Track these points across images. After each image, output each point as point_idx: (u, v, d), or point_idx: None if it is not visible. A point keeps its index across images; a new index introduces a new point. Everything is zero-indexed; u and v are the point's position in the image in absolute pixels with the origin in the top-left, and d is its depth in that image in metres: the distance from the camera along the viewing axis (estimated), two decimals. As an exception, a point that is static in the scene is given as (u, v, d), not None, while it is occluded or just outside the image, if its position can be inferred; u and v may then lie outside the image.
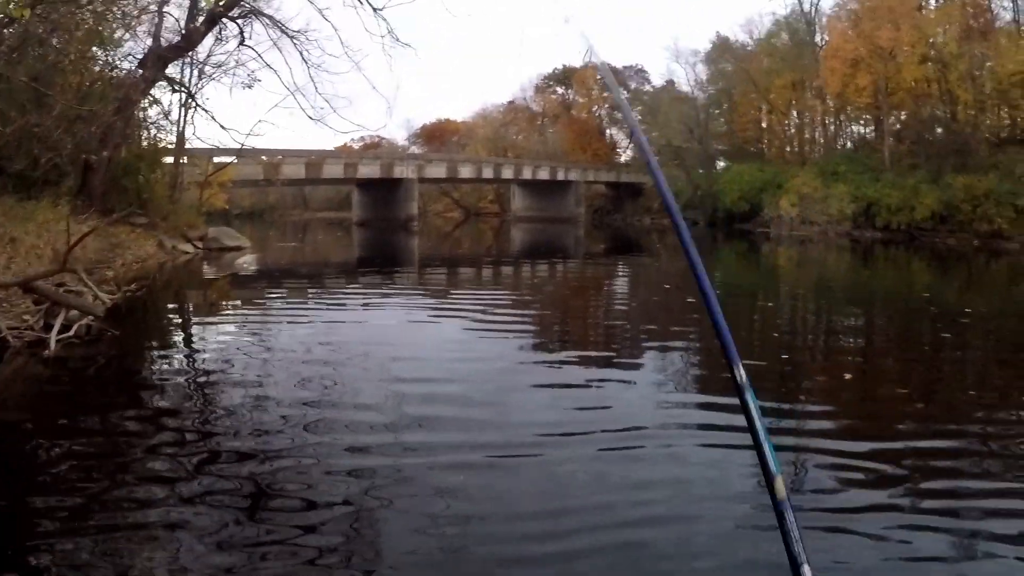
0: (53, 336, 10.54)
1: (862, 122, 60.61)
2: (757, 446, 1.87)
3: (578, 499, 5.85)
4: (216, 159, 35.30)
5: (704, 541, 5.22)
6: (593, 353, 12.42)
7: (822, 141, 62.03)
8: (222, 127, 28.39)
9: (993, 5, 52.68)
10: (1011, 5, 51.38)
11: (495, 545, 5.08)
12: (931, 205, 43.06)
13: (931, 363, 12.66)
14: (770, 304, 19.55)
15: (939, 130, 50.97)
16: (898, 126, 54.84)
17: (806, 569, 1.71)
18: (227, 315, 15.64)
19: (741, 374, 1.95)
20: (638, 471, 6.56)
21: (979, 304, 19.98)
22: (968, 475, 6.82)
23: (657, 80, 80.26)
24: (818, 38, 60.85)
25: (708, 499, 5.94)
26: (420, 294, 19.75)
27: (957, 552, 5.24)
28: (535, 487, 6.13)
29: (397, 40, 28.97)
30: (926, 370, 12.13)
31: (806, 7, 60.50)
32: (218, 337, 12.74)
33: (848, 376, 11.28)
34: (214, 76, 30.13)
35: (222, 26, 28.21)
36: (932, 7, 54.51)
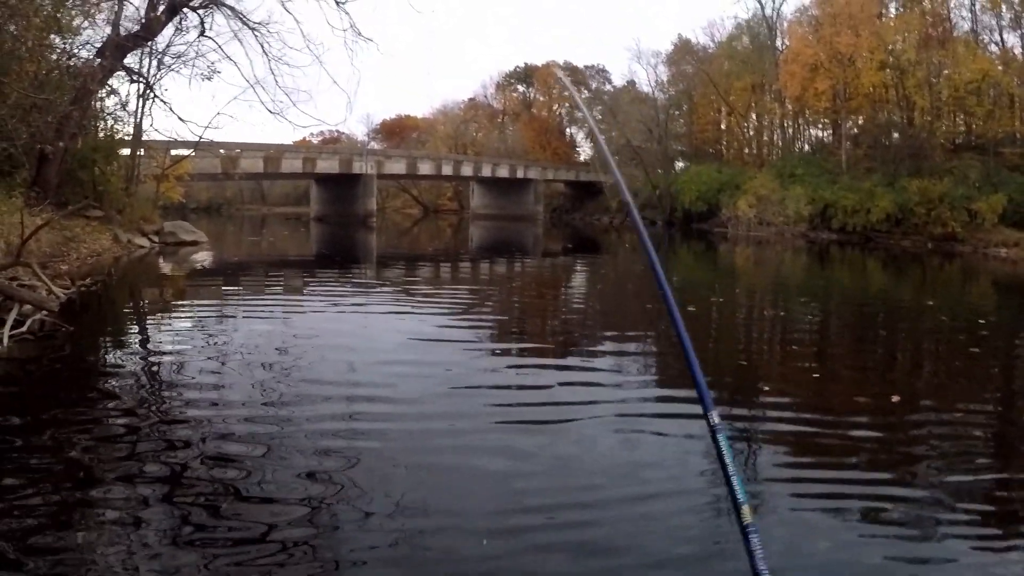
0: (6, 332, 10.32)
1: (820, 126, 61.42)
2: (727, 479, 2.14)
3: (536, 489, 5.94)
4: (173, 152, 34.71)
5: (658, 524, 5.40)
6: (552, 346, 12.63)
7: (780, 144, 62.62)
8: (180, 119, 27.99)
9: (952, 15, 53.54)
10: (969, 15, 52.38)
11: (454, 537, 5.11)
12: (886, 208, 43.55)
13: (886, 355, 13.25)
14: (728, 300, 19.72)
15: (895, 135, 51.80)
16: (855, 130, 55.61)
17: None
18: (183, 311, 15.36)
19: (714, 419, 2.24)
20: (596, 458, 6.73)
21: (933, 302, 20.36)
22: (920, 444, 7.46)
23: (618, 80, 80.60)
24: (779, 42, 61.34)
25: (663, 483, 6.18)
26: (379, 291, 19.58)
27: (910, 508, 5.83)
28: (494, 478, 6.18)
29: (359, 34, 28.70)
30: (881, 361, 12.57)
31: (768, 11, 60.97)
32: (175, 333, 12.50)
33: (805, 365, 11.66)
34: (173, 67, 29.54)
35: (183, 16, 27.71)
36: (892, 15, 55.32)
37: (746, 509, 2.10)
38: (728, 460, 2.17)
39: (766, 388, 9.77)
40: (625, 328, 14.26)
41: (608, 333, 13.71)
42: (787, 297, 21.13)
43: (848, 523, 5.55)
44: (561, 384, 9.45)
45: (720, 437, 2.21)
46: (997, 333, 15.13)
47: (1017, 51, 49.60)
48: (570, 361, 10.94)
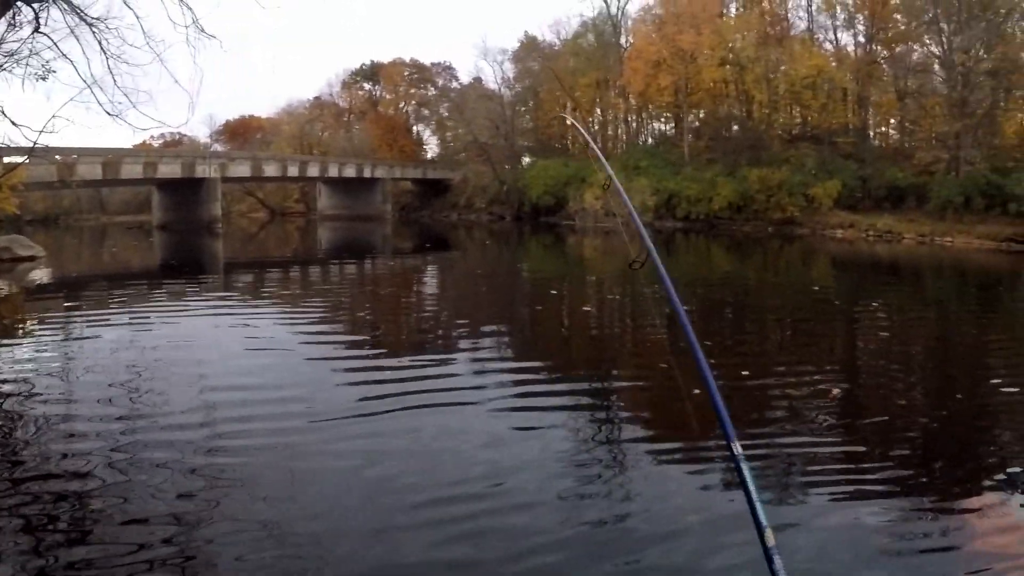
0: None
1: (663, 119, 62.85)
2: (751, 505, 2.26)
3: (402, 487, 6.00)
4: (5, 159, 32.28)
5: (527, 511, 5.60)
6: (407, 344, 12.65)
7: (624, 137, 63.73)
8: (13, 123, 25.68)
9: (789, 15, 56.42)
10: (806, 15, 55.41)
11: (325, 541, 5.09)
12: (728, 196, 44.81)
13: (733, 328, 13.57)
14: (576, 288, 19.88)
15: (735, 127, 53.59)
16: (697, 123, 57.10)
17: None
18: (24, 333, 13.89)
19: (737, 449, 2.36)
20: (461, 452, 6.82)
21: (775, 281, 20.84)
22: (774, 405, 8.12)
23: (465, 77, 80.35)
24: (623, 40, 62.59)
25: (523, 467, 6.42)
26: (226, 299, 18.24)
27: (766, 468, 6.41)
28: (359, 478, 6.20)
29: (202, 31, 26.90)
30: (729, 334, 13.34)
31: (613, 10, 62.12)
32: (16, 357, 11.29)
33: (653, 342, 11.94)
34: (5, 66, 27.41)
35: (16, 10, 25.69)
36: (732, 15, 57.14)
37: (769, 533, 2.19)
38: (751, 488, 2.27)
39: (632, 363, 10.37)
40: (481, 322, 14.25)
41: (466, 333, 13.56)
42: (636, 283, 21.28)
43: (705, 481, 6.17)
44: (420, 379, 9.30)
45: (743, 467, 2.32)
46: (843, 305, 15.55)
47: (850, 48, 52.34)
48: (428, 357, 10.91)
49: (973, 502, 5.91)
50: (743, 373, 9.46)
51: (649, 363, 10.16)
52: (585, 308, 16.03)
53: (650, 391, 8.60)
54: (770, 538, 2.19)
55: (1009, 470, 6.50)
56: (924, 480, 6.33)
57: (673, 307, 2.80)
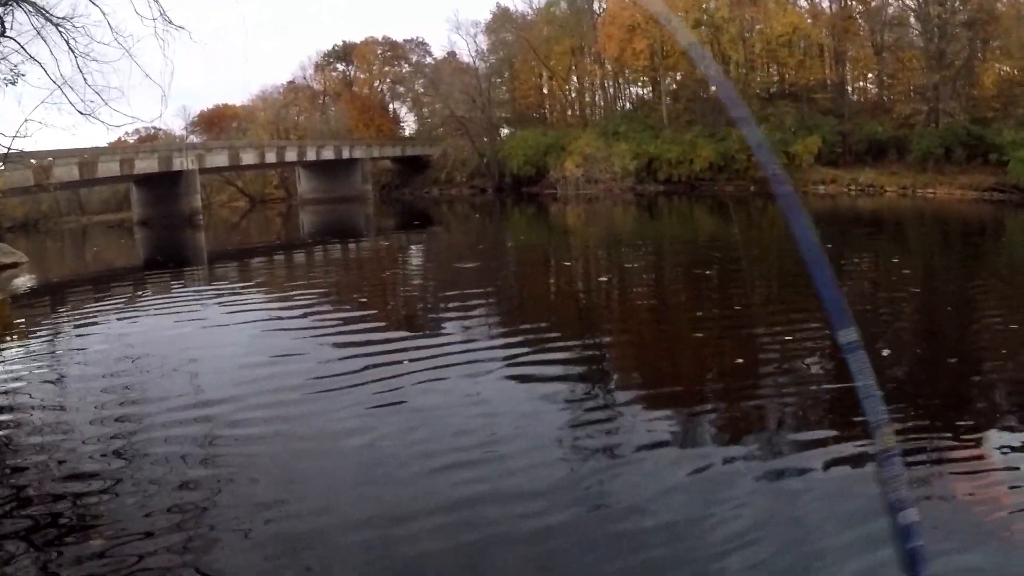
0: None
1: (640, 84, 62.28)
2: (864, 398, 1.78)
3: (397, 461, 6.04)
4: (-20, 168, 31.72)
5: (518, 472, 5.73)
6: (402, 321, 12.71)
7: (602, 103, 63.47)
8: None
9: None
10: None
11: (330, 535, 4.98)
12: (709, 157, 45.11)
13: (724, 284, 14.14)
14: (565, 257, 19.87)
15: (713, 88, 52.86)
16: (674, 86, 56.72)
17: (910, 512, 1.68)
18: (12, 340, 13.48)
19: (849, 336, 1.86)
20: (452, 422, 6.88)
21: (760, 238, 20.81)
22: (767, 356, 8.27)
23: (438, 52, 79.77)
24: (596, 6, 62.10)
25: (518, 438, 6.44)
26: (214, 292, 17.77)
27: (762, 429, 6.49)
28: (357, 470, 6.08)
29: (170, 23, 26.51)
30: (720, 290, 13.64)
31: (584, -24, 61.37)
32: (5, 367, 10.96)
33: (645, 310, 12.44)
34: None
35: None
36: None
37: (884, 431, 1.72)
38: (864, 381, 1.77)
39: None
40: (468, 300, 14.02)
41: (455, 308, 13.42)
42: (622, 248, 21.19)
43: (699, 437, 6.35)
44: (410, 361, 9.15)
45: (855, 357, 1.81)
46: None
47: (825, 5, 52.25)
48: (419, 341, 10.67)
49: (976, 437, 6.00)
50: (738, 329, 9.43)
51: (649, 326, 10.33)
52: (570, 277, 15.91)
53: (648, 353, 8.71)
54: (888, 438, 1.76)
55: (1012, 408, 6.62)
56: (928, 420, 6.35)
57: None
